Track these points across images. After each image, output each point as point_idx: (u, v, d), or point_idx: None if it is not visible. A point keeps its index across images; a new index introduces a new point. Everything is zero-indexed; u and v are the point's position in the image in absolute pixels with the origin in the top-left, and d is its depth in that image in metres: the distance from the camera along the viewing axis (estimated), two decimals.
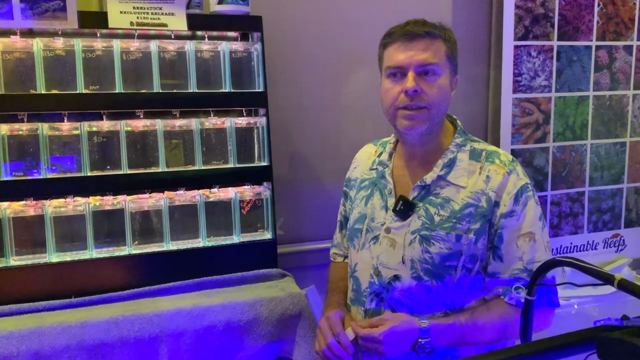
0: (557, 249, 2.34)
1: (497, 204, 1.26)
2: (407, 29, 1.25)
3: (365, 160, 1.50)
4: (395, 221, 1.31)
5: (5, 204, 1.57)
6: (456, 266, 1.26)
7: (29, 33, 1.59)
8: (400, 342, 1.20)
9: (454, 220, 1.26)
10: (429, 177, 1.30)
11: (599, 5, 2.28)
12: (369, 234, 1.36)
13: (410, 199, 1.31)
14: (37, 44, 1.55)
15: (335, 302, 1.44)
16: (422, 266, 1.27)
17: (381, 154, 1.44)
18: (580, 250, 2.39)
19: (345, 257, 1.60)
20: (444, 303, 1.28)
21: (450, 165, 1.30)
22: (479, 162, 1.30)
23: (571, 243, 2.38)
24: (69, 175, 1.60)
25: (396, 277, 1.29)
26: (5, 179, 1.55)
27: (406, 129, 1.27)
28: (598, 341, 0.76)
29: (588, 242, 2.41)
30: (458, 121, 1.38)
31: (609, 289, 2.21)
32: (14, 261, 1.55)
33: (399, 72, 1.25)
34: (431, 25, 1.26)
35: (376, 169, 1.43)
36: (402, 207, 1.30)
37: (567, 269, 1.57)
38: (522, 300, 1.06)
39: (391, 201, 1.34)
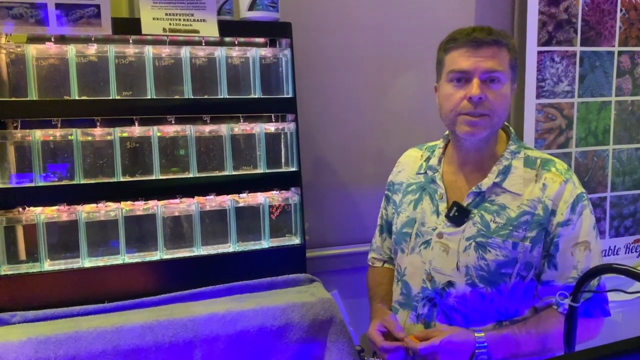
0: None
1: (553, 213, 1.26)
2: (475, 35, 1.24)
3: (411, 164, 1.50)
4: (448, 227, 1.31)
5: (38, 209, 1.58)
6: (511, 273, 1.26)
7: (61, 39, 1.60)
8: (458, 353, 1.20)
9: (510, 228, 1.26)
10: (485, 184, 1.30)
11: (621, 10, 2.28)
12: (419, 238, 1.36)
13: (465, 205, 1.31)
14: (71, 51, 1.56)
15: (377, 309, 1.45)
16: (478, 273, 1.27)
17: (429, 158, 1.44)
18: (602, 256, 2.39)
19: (385, 262, 1.60)
20: (497, 310, 1.29)
21: (505, 172, 1.31)
22: (534, 170, 1.31)
23: None
24: (101, 180, 1.60)
25: (450, 284, 1.30)
26: (39, 184, 1.55)
27: (467, 135, 1.28)
28: None
29: (610, 247, 2.41)
30: (511, 128, 1.38)
31: (632, 295, 2.20)
32: (48, 266, 1.56)
33: (463, 78, 1.25)
34: (497, 33, 1.26)
35: (425, 172, 1.43)
36: (456, 213, 1.30)
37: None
38: (567, 307, 1.06)
39: (442, 206, 1.34)
